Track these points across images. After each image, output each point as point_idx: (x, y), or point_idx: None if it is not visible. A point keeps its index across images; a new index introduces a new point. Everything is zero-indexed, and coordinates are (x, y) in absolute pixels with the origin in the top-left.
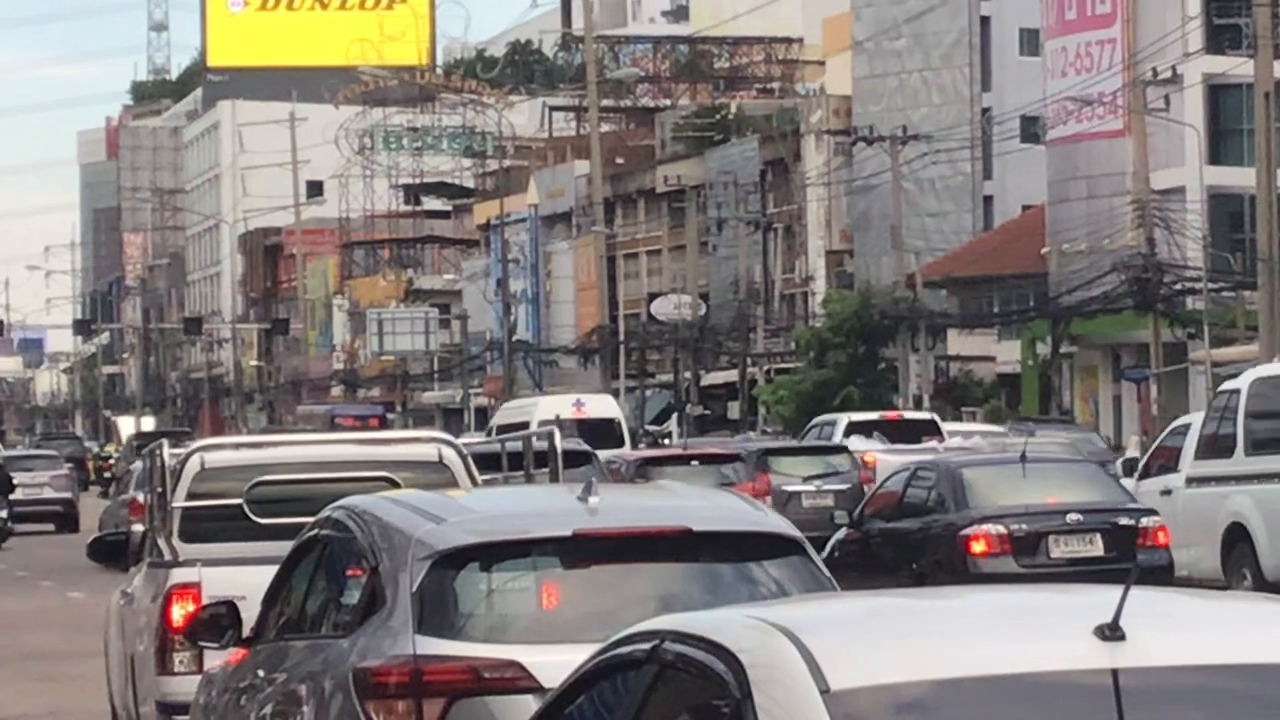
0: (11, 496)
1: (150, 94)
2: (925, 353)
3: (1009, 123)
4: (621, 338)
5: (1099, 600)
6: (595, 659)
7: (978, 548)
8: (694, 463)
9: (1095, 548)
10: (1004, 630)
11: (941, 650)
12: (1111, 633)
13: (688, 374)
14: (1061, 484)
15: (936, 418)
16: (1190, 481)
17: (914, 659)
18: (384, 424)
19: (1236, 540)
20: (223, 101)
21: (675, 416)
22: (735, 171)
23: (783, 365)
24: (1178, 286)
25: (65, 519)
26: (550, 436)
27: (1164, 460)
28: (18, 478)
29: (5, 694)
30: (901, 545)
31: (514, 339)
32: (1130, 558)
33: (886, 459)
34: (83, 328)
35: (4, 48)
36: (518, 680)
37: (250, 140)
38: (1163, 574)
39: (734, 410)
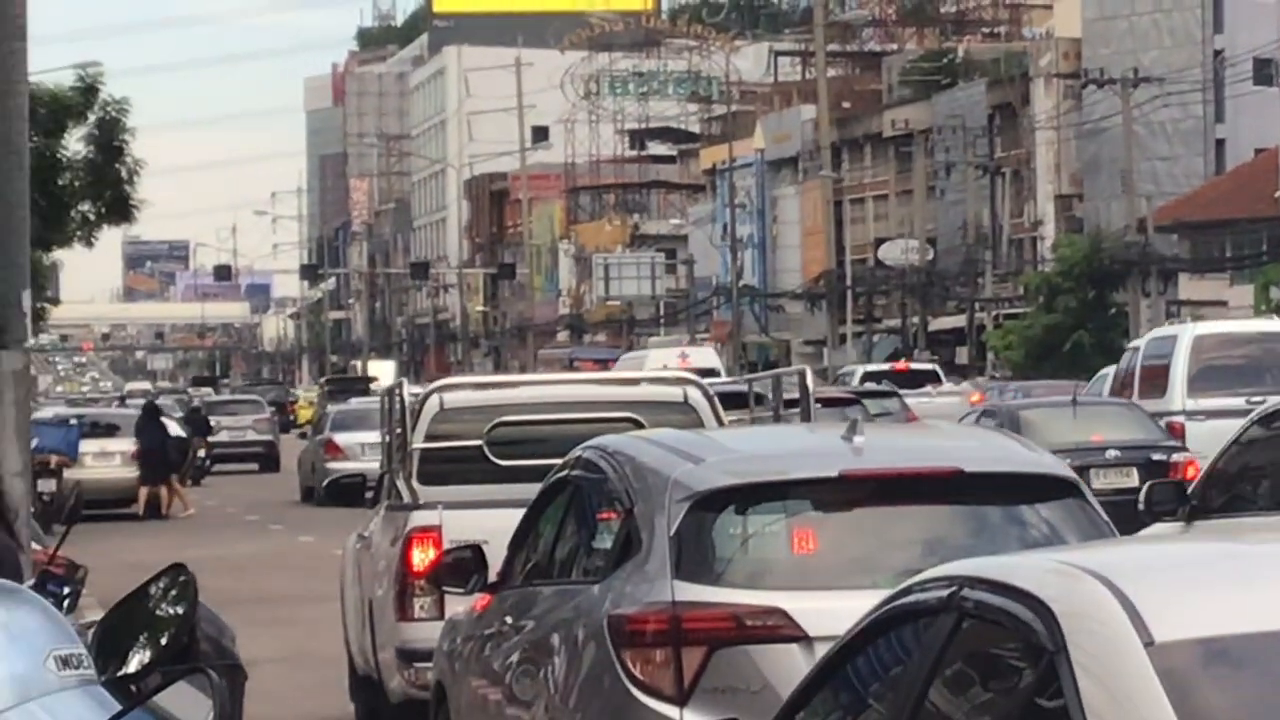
0: (213, 438)
1: (376, 40)
2: (1156, 298)
3: (1242, 65)
4: (848, 283)
5: None
6: (885, 606)
7: None
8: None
9: (1132, 480)
10: None
11: (1275, 601)
12: None
13: (915, 319)
14: (1107, 424)
15: (937, 367)
16: None
17: (1245, 610)
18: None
19: None
20: (448, 47)
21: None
22: (963, 115)
23: (1011, 310)
24: None
25: (267, 459)
26: (802, 376)
27: None
28: (223, 421)
29: (240, 639)
30: None
31: (740, 284)
32: None
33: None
34: (309, 273)
35: None
36: (781, 628)
37: (476, 85)
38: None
39: (962, 355)
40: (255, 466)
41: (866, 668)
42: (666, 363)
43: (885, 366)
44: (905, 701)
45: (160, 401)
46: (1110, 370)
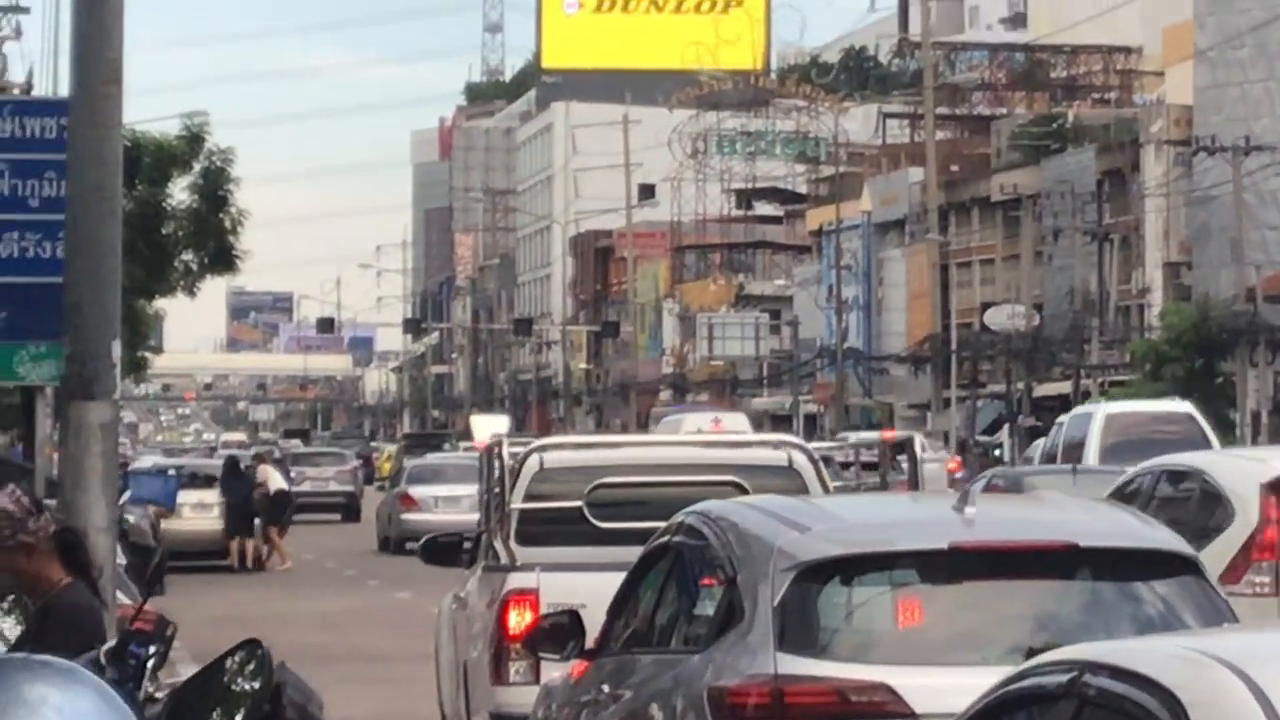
0: (297, 488)
1: (484, 94)
2: (1264, 367)
3: None
4: (953, 346)
5: None
6: (1000, 689)
7: None
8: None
9: None
10: None
11: None
12: None
13: (1020, 385)
14: (1104, 490)
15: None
16: None
17: None
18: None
19: None
20: (556, 103)
21: (1006, 427)
22: (1072, 181)
23: (1117, 378)
24: None
25: (348, 509)
26: (909, 443)
27: None
28: (308, 472)
29: (331, 696)
30: None
31: (845, 346)
32: None
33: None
34: (412, 327)
35: (340, 49)
36: (886, 704)
37: (583, 142)
38: None
39: None
40: (338, 516)
41: None
42: (701, 427)
43: (873, 434)
44: None
45: (250, 452)
46: (1041, 442)
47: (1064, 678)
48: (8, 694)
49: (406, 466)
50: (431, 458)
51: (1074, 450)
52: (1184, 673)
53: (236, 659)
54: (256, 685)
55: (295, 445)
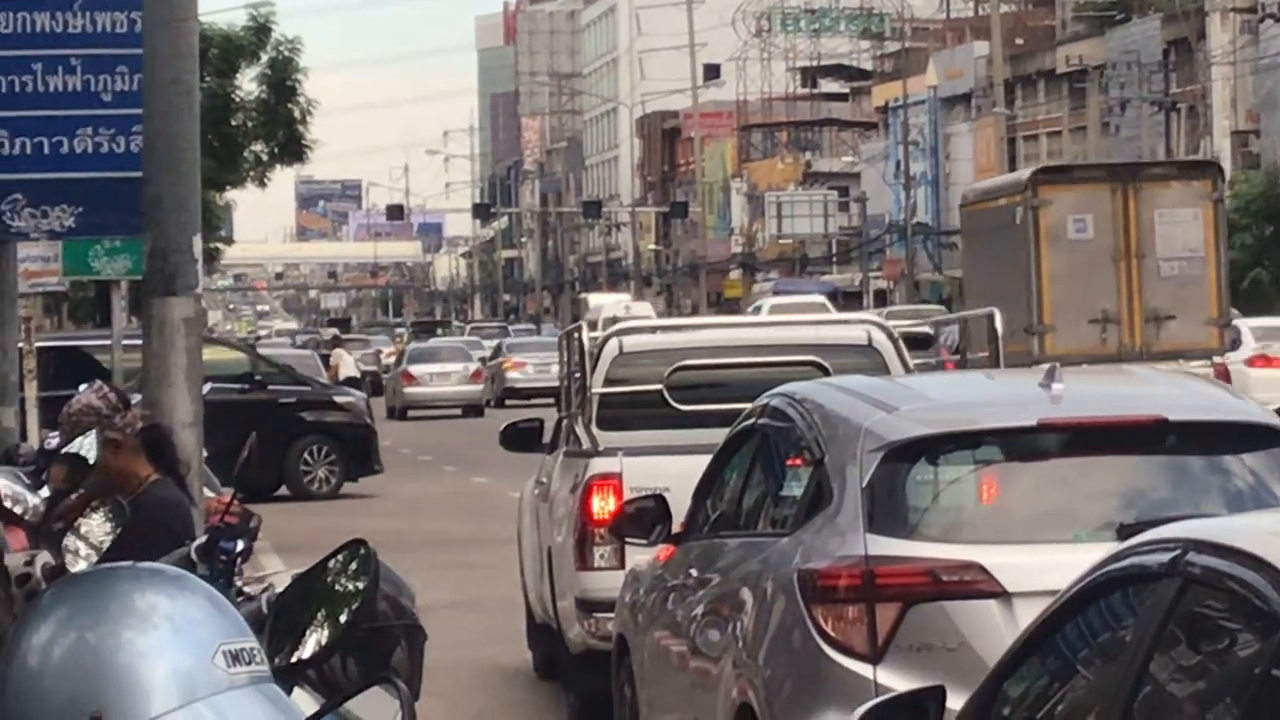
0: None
1: None
2: None
3: None
4: None
5: None
6: (1101, 569)
7: None
8: None
9: None
10: None
11: None
12: None
13: None
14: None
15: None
16: None
17: None
18: (834, 301)
19: None
20: None
21: None
22: (1137, 51)
23: None
24: None
25: (376, 388)
26: (990, 319)
27: None
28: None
29: (413, 583)
30: None
31: (913, 221)
32: None
33: None
34: (481, 212)
35: None
36: (978, 583)
37: (647, 23)
38: None
39: None
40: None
41: (1078, 635)
42: (615, 312)
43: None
44: (1124, 672)
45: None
46: None
47: (1166, 557)
48: (118, 603)
49: (408, 349)
50: (432, 341)
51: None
52: None
53: (340, 559)
54: (361, 585)
55: (333, 333)
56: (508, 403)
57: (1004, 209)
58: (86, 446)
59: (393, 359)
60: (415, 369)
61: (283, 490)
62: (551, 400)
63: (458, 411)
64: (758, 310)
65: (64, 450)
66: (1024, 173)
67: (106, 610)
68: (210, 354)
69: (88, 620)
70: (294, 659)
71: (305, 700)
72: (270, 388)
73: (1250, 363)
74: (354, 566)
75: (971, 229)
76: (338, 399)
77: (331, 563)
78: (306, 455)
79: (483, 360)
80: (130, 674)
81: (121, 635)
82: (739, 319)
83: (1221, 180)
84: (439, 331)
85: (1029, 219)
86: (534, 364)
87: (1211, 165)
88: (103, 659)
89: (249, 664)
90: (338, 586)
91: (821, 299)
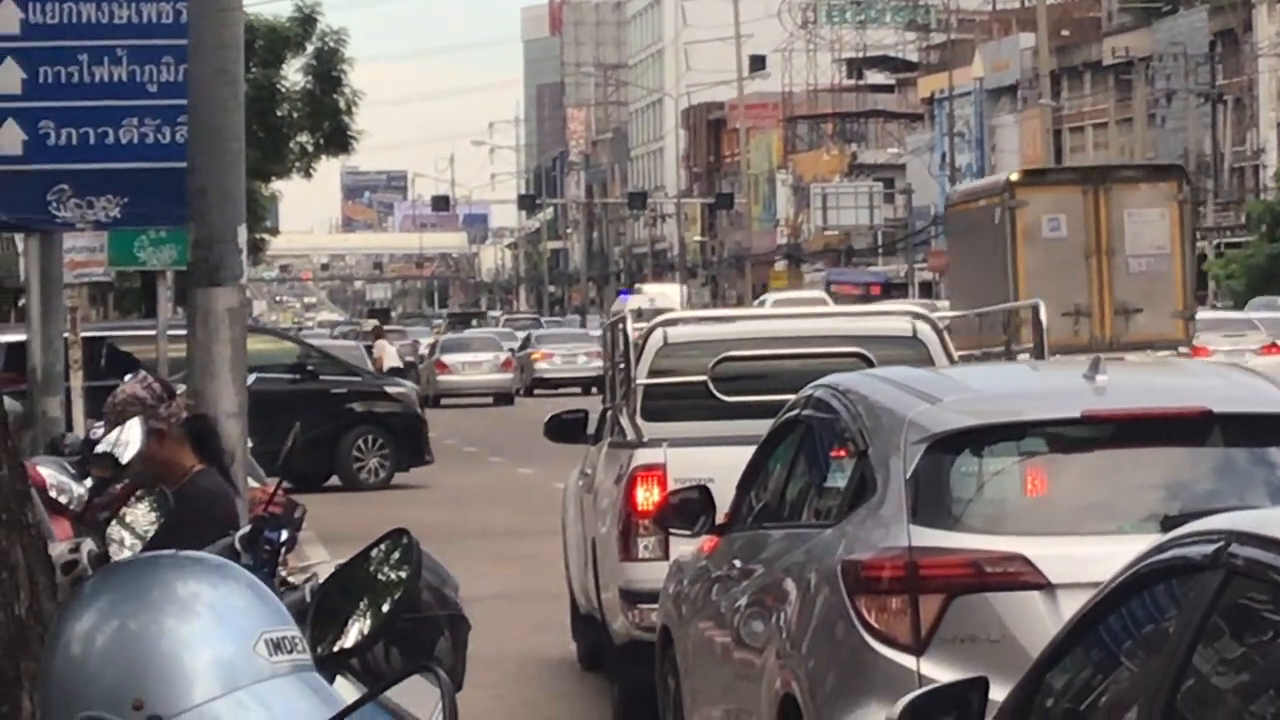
0: None
1: None
2: None
3: None
4: None
5: None
6: (1145, 560)
7: None
8: None
9: None
10: None
11: None
12: None
13: None
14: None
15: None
16: None
17: None
18: (886, 292)
19: None
20: None
21: None
22: (1184, 42)
23: (1233, 240)
24: None
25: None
26: (1035, 311)
27: None
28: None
29: (457, 573)
30: None
31: None
32: None
33: None
34: (527, 203)
35: None
36: (1022, 575)
37: (693, 14)
38: None
39: None
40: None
41: (1121, 627)
42: (640, 305)
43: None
44: (1166, 664)
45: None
46: None
47: (1210, 548)
48: (160, 591)
49: (440, 340)
50: (466, 332)
51: None
52: None
53: (382, 548)
54: (403, 574)
55: (373, 324)
56: (536, 392)
57: (984, 209)
58: (120, 441)
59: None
60: (448, 358)
61: (332, 481)
62: (578, 390)
63: (489, 399)
64: (762, 304)
65: (97, 449)
66: (1002, 176)
67: (149, 598)
68: (262, 344)
69: (130, 608)
70: (336, 648)
71: (348, 690)
72: (322, 378)
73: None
74: (396, 556)
75: (955, 228)
76: (389, 389)
77: (374, 552)
78: (358, 446)
79: (512, 350)
80: (172, 662)
81: (164, 623)
82: (786, 310)
83: (1187, 183)
84: (474, 323)
85: (1007, 219)
86: (561, 355)
87: (1177, 168)
88: (145, 646)
89: (291, 652)
90: (380, 576)
91: (821, 294)
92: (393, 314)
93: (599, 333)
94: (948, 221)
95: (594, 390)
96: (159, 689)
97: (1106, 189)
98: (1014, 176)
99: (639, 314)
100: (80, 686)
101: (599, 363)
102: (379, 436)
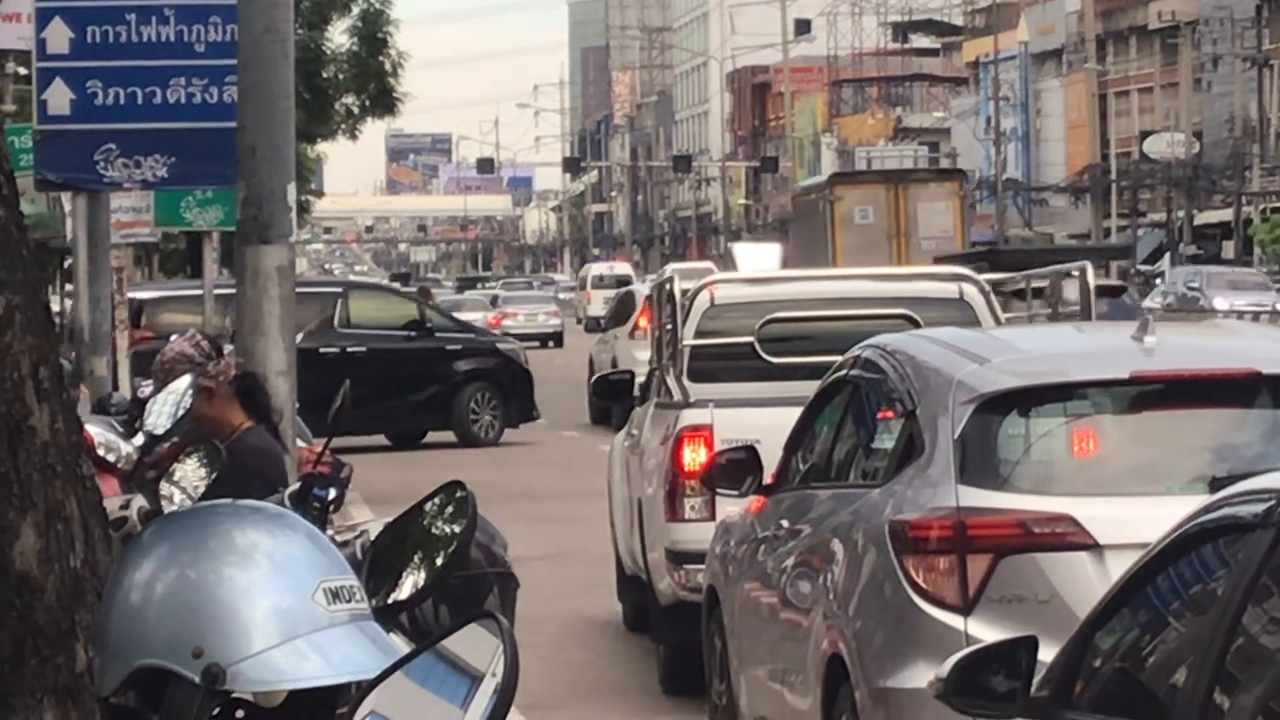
0: None
1: None
2: None
3: None
4: (1113, 176)
5: None
6: (1194, 521)
7: None
8: None
9: None
10: None
11: None
12: None
13: (1180, 213)
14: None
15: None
16: None
17: None
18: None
19: None
20: None
21: (1167, 256)
22: (1230, 6)
23: (1279, 205)
24: None
25: None
26: (1083, 272)
27: None
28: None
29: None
30: None
31: (1004, 177)
32: None
33: None
34: (571, 166)
35: None
36: (1070, 535)
37: None
38: None
39: (1228, 249)
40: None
41: (1169, 587)
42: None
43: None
44: (1216, 624)
45: None
46: None
47: (1260, 508)
48: (219, 540)
49: (443, 302)
50: (468, 293)
51: None
52: None
53: (437, 501)
54: (457, 528)
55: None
56: None
57: (814, 201)
58: (168, 404)
59: None
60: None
61: (431, 437)
62: (537, 344)
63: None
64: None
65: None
66: (824, 176)
67: (207, 547)
68: (379, 302)
69: (189, 557)
70: (390, 600)
71: (399, 646)
72: (437, 335)
73: None
74: (451, 509)
75: (796, 215)
76: (500, 345)
77: (429, 505)
78: (474, 401)
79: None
80: (231, 610)
81: (223, 572)
82: (830, 271)
83: (966, 182)
84: (479, 286)
85: (828, 209)
86: (524, 314)
87: (958, 171)
88: (204, 595)
89: (349, 601)
90: (434, 529)
91: (776, 246)
92: (413, 278)
93: (561, 295)
94: (793, 209)
95: (550, 344)
96: (218, 637)
97: (904, 186)
98: (830, 177)
99: (600, 280)
100: (139, 635)
101: (556, 320)
102: (491, 393)
